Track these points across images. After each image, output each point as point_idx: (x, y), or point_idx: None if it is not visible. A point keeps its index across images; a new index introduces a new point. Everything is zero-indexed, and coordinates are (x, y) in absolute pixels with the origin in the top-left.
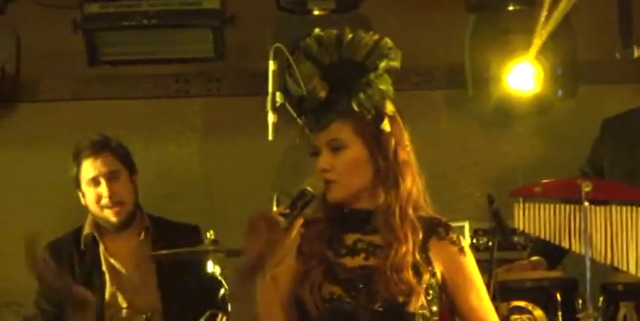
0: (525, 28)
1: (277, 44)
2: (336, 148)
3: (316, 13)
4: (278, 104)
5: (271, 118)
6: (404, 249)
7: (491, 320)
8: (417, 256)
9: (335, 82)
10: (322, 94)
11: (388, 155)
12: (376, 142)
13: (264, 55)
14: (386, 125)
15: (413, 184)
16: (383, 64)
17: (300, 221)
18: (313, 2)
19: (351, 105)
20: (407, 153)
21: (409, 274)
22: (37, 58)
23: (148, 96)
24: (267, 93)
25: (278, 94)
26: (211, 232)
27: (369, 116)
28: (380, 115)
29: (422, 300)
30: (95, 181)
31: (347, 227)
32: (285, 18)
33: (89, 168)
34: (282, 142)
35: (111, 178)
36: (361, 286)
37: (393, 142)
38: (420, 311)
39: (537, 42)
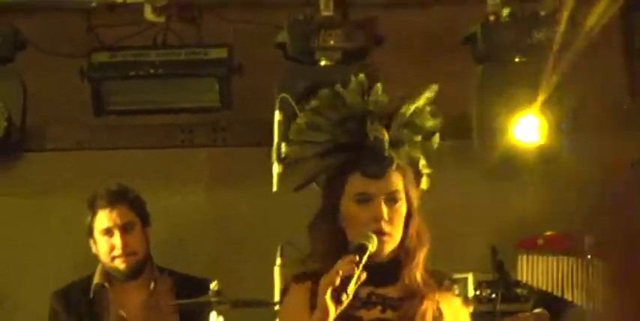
0: (531, 79)
1: (283, 94)
2: (393, 199)
3: (323, 63)
4: (283, 155)
5: (276, 168)
6: (427, 302)
7: None
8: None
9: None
10: (387, 142)
11: (415, 212)
12: (411, 199)
13: (270, 105)
14: (424, 183)
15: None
16: (428, 124)
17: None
18: (320, 53)
19: (399, 159)
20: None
21: None
22: (43, 107)
23: (154, 146)
24: (272, 143)
25: (284, 144)
26: (215, 282)
27: (409, 173)
28: (419, 173)
29: None
30: (109, 232)
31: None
32: (292, 68)
33: (104, 218)
34: (287, 192)
35: (125, 230)
36: None
37: (417, 200)
38: None
39: (542, 94)
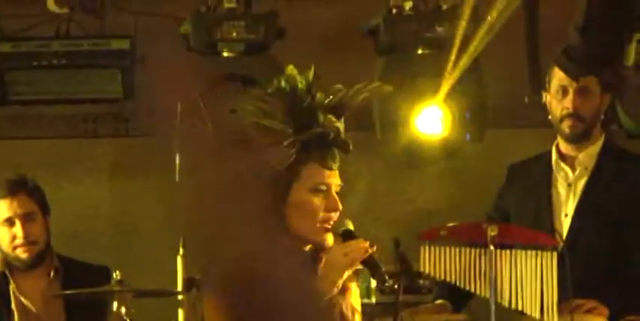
0: (434, 71)
1: None
2: (338, 192)
3: (225, 54)
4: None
5: (179, 159)
6: (348, 292)
7: None
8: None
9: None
10: (343, 134)
11: None
12: None
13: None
14: None
15: None
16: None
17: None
18: (223, 44)
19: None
20: None
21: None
22: None
23: (58, 136)
24: None
25: None
26: (117, 272)
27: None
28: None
29: None
30: (10, 222)
31: None
32: (194, 59)
33: (4, 208)
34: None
35: (26, 219)
36: None
37: None
38: None
39: (445, 86)
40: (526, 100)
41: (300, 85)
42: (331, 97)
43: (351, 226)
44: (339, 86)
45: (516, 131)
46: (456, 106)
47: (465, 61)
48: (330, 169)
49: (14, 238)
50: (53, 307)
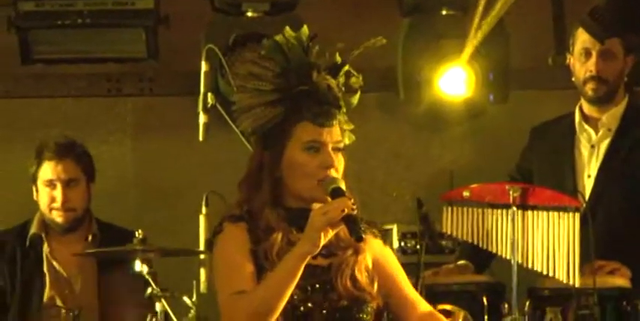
0: (458, 33)
1: (210, 45)
2: (338, 149)
3: (250, 14)
4: (210, 105)
5: (202, 118)
6: (361, 255)
7: (421, 299)
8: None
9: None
10: (336, 90)
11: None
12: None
13: (197, 56)
14: (347, 139)
15: None
16: (353, 81)
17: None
18: (247, 4)
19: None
20: None
21: (365, 276)
22: None
23: (81, 95)
24: (199, 93)
25: (209, 95)
26: (140, 231)
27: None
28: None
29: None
30: (52, 184)
31: (300, 229)
32: (218, 19)
33: (48, 170)
34: (213, 142)
35: (68, 184)
36: (316, 285)
37: None
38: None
39: (470, 47)
40: (550, 61)
41: (293, 45)
42: (327, 55)
43: (341, 184)
44: (340, 45)
45: (540, 93)
46: (479, 67)
47: (489, 22)
48: (323, 126)
49: (53, 200)
50: (86, 273)
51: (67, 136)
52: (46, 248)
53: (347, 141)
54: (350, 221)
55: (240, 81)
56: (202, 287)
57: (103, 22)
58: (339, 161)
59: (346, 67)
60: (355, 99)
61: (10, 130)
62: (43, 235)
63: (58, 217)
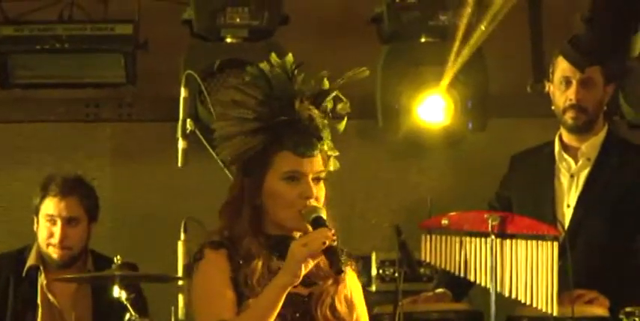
0: (437, 60)
1: (189, 71)
2: (319, 178)
3: (229, 40)
4: (188, 131)
5: (181, 144)
6: (342, 284)
7: None
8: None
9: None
10: (319, 121)
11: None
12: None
13: (176, 82)
14: (331, 165)
15: None
16: (340, 107)
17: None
18: (226, 30)
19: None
20: None
21: (345, 307)
22: None
23: (60, 120)
24: (178, 119)
25: (188, 120)
26: (118, 257)
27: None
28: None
29: None
30: (52, 220)
31: (281, 256)
32: (197, 45)
33: (51, 206)
34: (192, 168)
35: (69, 223)
36: (297, 314)
37: None
38: None
39: (448, 74)
40: (529, 89)
41: (277, 73)
42: (313, 83)
43: (322, 214)
44: (325, 72)
45: (519, 121)
46: (458, 94)
47: (468, 50)
48: (304, 156)
49: (51, 235)
50: (80, 308)
51: (77, 174)
52: (42, 280)
53: (332, 168)
54: (330, 253)
55: (221, 108)
56: (180, 313)
57: (82, 47)
58: (320, 190)
59: (333, 94)
60: (342, 125)
61: None
62: (41, 267)
63: (53, 253)
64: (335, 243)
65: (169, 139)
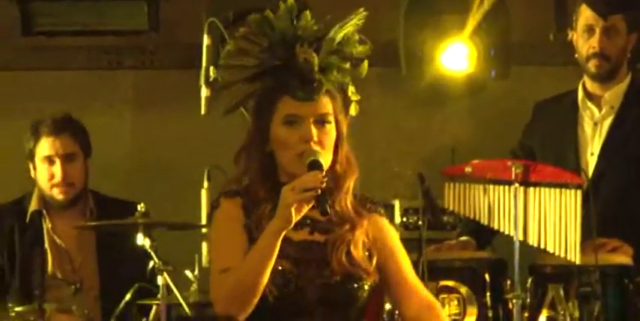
0: (460, 8)
1: (212, 19)
2: (322, 122)
3: None
4: (211, 79)
5: (204, 92)
6: (359, 231)
7: (422, 287)
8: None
9: (321, 58)
10: (316, 65)
11: (344, 138)
12: (340, 125)
13: (198, 29)
14: (353, 110)
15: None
16: (356, 51)
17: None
18: None
19: (332, 84)
20: None
21: (362, 252)
22: None
23: (81, 67)
24: (201, 67)
25: (212, 68)
26: (142, 204)
27: (339, 98)
28: (348, 99)
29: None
30: (50, 160)
31: None
32: None
33: (46, 146)
34: (214, 116)
35: (67, 160)
36: (311, 260)
37: (345, 127)
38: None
39: (471, 22)
40: (551, 37)
41: (281, 19)
42: (315, 28)
43: (320, 157)
44: (329, 17)
45: (542, 69)
46: (481, 42)
47: None
48: (303, 100)
49: (52, 176)
50: (86, 247)
51: (63, 110)
52: (47, 224)
53: (353, 112)
54: (318, 195)
55: (225, 58)
56: (204, 261)
57: None
58: (325, 134)
59: (340, 37)
60: (363, 69)
61: (9, 103)
62: (44, 211)
63: (58, 194)
64: (323, 185)
65: (192, 87)
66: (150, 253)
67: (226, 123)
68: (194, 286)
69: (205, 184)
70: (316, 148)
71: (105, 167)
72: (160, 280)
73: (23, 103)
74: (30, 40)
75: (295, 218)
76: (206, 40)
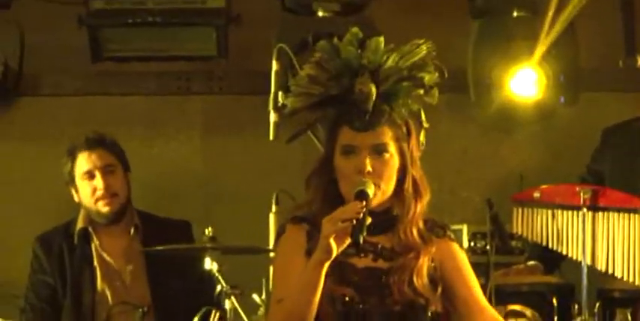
0: (529, 34)
1: (281, 44)
2: (380, 151)
3: (321, 14)
4: (280, 104)
5: (273, 117)
6: (423, 258)
7: (493, 311)
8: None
9: (382, 86)
10: (374, 95)
11: (414, 166)
12: (405, 152)
13: (267, 55)
14: (422, 137)
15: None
16: (427, 78)
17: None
18: (318, 4)
19: (394, 112)
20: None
21: (426, 280)
22: (40, 54)
23: (150, 93)
24: (269, 92)
25: (280, 93)
26: (209, 229)
27: (404, 126)
28: (421, 125)
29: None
30: (90, 175)
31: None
32: (289, 18)
33: (83, 162)
34: (283, 141)
35: (106, 171)
36: (374, 288)
37: (417, 153)
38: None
39: (540, 48)
40: (621, 63)
41: (348, 47)
42: (384, 58)
43: (368, 187)
44: (391, 46)
45: (610, 95)
46: (550, 68)
47: (560, 23)
48: (359, 130)
49: (95, 190)
50: (135, 264)
51: (132, 136)
52: (94, 241)
53: (422, 139)
54: (355, 225)
55: (294, 84)
56: (271, 285)
57: (173, 21)
58: (382, 164)
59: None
60: (434, 97)
61: (79, 128)
62: (90, 229)
63: (103, 206)
64: (361, 216)
65: (260, 113)
66: (218, 277)
67: (295, 148)
68: (261, 310)
69: (273, 208)
70: (369, 178)
71: (175, 192)
72: (227, 304)
73: (93, 129)
74: (99, 66)
75: (337, 249)
76: (275, 66)
